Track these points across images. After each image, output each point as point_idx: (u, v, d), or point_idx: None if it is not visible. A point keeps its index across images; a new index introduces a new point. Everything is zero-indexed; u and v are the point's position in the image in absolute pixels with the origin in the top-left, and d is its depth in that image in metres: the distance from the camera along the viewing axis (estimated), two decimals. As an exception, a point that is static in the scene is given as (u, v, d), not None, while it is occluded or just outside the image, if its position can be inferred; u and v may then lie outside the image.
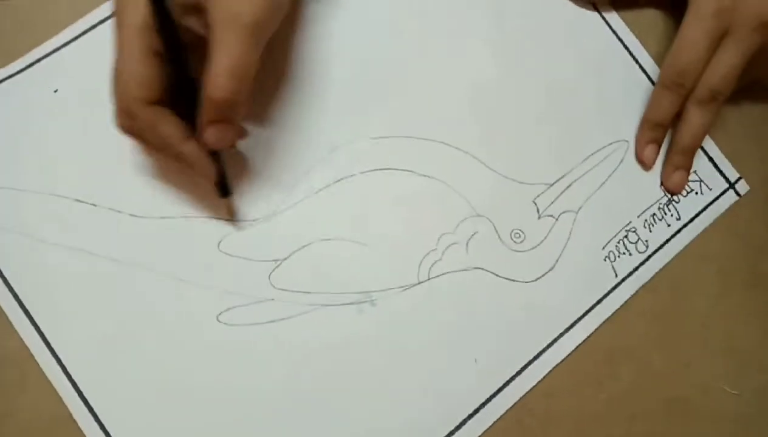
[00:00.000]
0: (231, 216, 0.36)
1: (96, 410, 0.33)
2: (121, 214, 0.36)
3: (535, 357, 0.36)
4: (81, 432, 0.33)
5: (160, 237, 0.35)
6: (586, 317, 0.38)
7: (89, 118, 0.37)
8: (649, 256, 0.39)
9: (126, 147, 0.36)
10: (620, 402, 0.37)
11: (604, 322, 0.38)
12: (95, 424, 0.33)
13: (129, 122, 0.31)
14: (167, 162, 0.36)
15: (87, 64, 0.38)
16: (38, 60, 0.37)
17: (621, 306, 0.38)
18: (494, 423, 0.35)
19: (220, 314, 0.35)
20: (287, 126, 0.38)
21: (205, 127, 0.31)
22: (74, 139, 0.36)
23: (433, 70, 0.40)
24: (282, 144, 0.38)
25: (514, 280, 0.37)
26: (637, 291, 0.38)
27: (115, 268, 0.35)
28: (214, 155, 0.33)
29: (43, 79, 0.37)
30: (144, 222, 0.36)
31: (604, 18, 0.43)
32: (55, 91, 0.37)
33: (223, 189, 0.35)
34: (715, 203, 0.41)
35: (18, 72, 0.37)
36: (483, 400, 0.35)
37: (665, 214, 0.40)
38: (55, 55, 0.38)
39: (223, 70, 0.29)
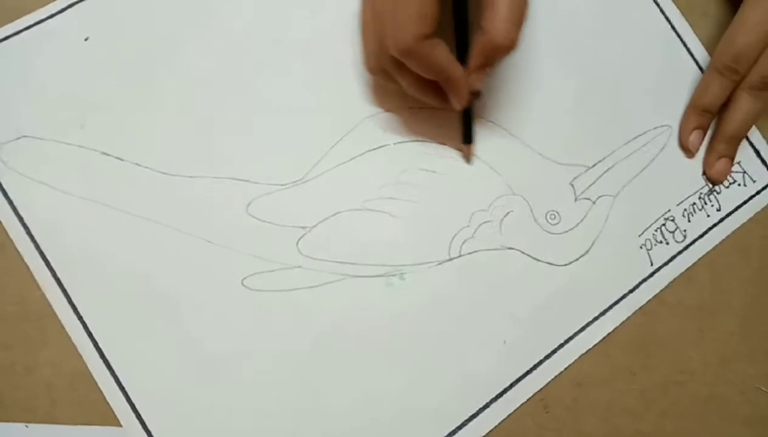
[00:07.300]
0: (469, 162, 0.37)
1: (114, 368, 0.32)
2: (148, 170, 0.35)
3: (565, 342, 0.35)
4: (99, 389, 0.32)
5: (187, 196, 0.34)
6: (619, 305, 0.36)
7: (120, 67, 0.36)
8: (687, 247, 0.38)
9: (157, 100, 0.35)
10: (652, 396, 0.36)
11: (637, 312, 0.36)
12: (113, 381, 0.32)
13: (389, 62, 0.32)
14: (405, 102, 0.36)
15: (119, 12, 0.36)
16: (69, 5, 0.36)
17: (656, 297, 0.37)
18: (520, 406, 0.34)
19: (244, 279, 0.34)
20: (323, 92, 0.37)
21: (475, 69, 0.31)
22: (104, 89, 0.35)
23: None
24: (317, 109, 0.36)
25: (546, 263, 0.36)
26: (672, 282, 0.37)
27: (139, 225, 0.34)
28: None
29: (74, 26, 0.36)
30: (172, 180, 0.35)
31: (655, 0, 0.41)
32: (86, 39, 0.36)
33: (469, 135, 0.36)
34: (758, 196, 0.39)
35: (48, 17, 0.36)
36: (510, 382, 0.34)
37: (705, 203, 0.39)
38: (87, 0, 0.36)
39: (509, 17, 0.29)
